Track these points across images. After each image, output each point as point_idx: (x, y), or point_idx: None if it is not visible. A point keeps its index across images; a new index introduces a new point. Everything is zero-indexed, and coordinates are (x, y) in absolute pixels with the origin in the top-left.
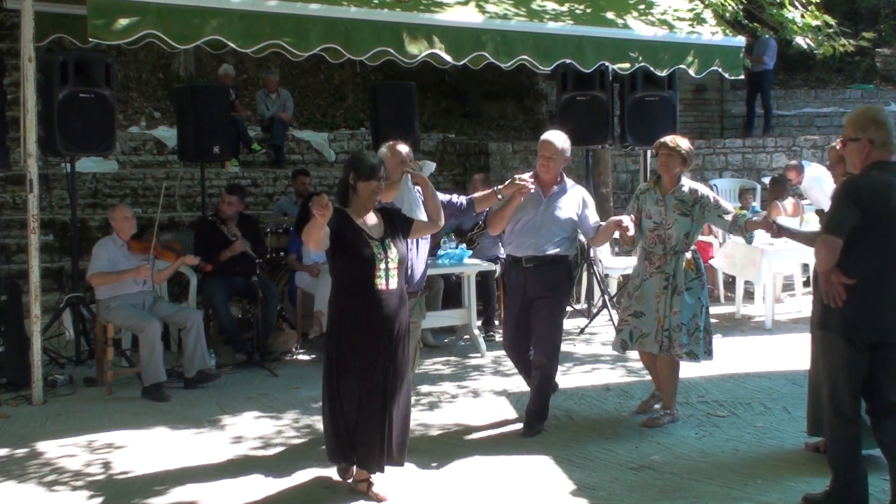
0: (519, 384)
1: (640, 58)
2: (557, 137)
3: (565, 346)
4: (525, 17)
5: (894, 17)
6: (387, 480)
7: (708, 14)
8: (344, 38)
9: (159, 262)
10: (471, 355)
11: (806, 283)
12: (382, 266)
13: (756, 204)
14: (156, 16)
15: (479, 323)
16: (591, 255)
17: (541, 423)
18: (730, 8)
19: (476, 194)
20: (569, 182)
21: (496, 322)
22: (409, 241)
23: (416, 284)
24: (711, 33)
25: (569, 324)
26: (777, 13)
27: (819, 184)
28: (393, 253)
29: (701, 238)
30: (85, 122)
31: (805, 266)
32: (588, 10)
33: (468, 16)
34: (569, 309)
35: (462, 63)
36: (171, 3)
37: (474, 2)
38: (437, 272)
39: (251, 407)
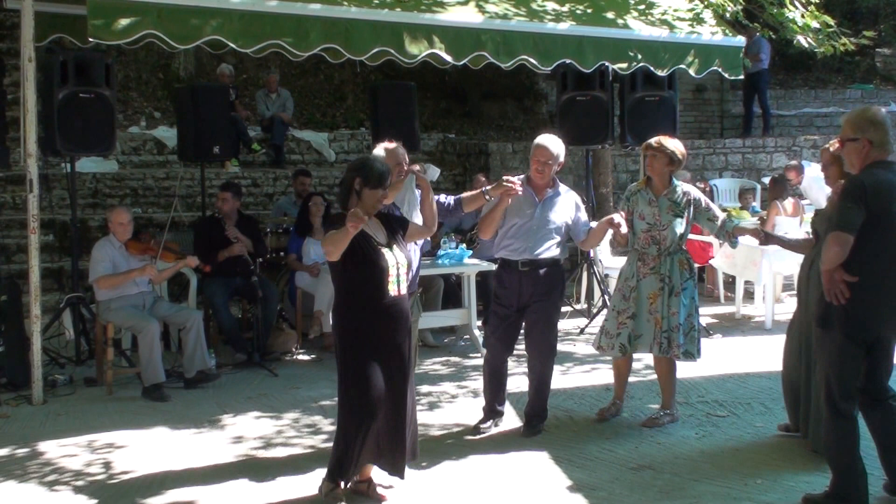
0: (518, 384)
1: (640, 58)
2: (552, 142)
3: (565, 346)
4: (525, 17)
5: (894, 17)
6: (385, 480)
7: (708, 14)
8: (344, 38)
9: (158, 263)
10: (471, 355)
11: None
12: (394, 272)
13: (756, 204)
14: (156, 16)
15: (479, 323)
16: (591, 254)
17: (541, 423)
18: (730, 8)
19: (464, 194)
20: (561, 186)
21: None
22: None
23: (413, 285)
24: (711, 33)
25: (569, 324)
26: (777, 13)
27: (819, 184)
28: (401, 258)
29: (701, 238)
30: (85, 122)
31: None
32: (588, 10)
33: (468, 16)
34: (569, 309)
35: (462, 63)
36: (171, 3)
37: (474, 2)
38: (437, 272)
39: (251, 407)
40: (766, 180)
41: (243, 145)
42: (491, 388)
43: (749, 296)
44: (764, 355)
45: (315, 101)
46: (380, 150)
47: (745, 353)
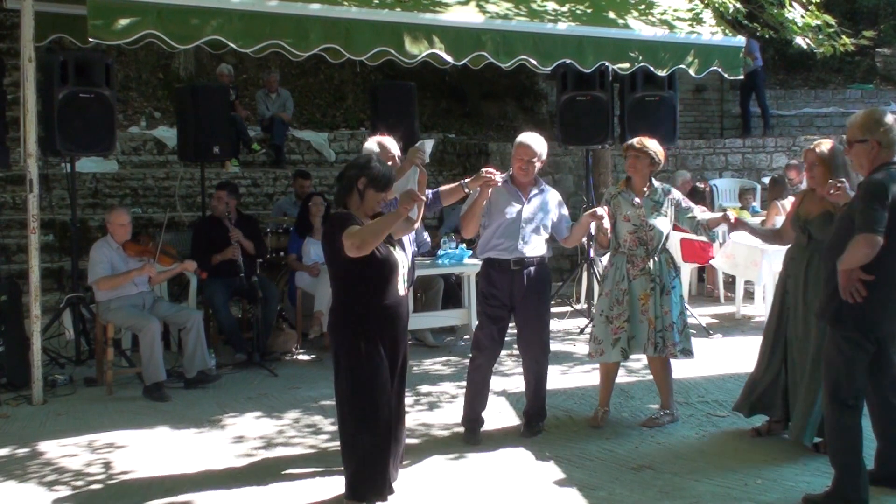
0: (518, 384)
1: (641, 58)
2: (535, 140)
3: (565, 346)
4: (525, 17)
5: (894, 17)
6: None
7: (707, 14)
8: (344, 38)
9: (156, 266)
10: (471, 355)
11: None
12: (402, 271)
13: (756, 204)
14: (155, 16)
15: (478, 323)
16: (591, 254)
17: (541, 422)
18: (730, 7)
19: (442, 187)
20: (544, 183)
21: None
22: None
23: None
24: (711, 33)
25: (569, 324)
26: (777, 13)
27: None
28: (403, 258)
29: (701, 238)
30: (85, 122)
31: None
32: (588, 10)
33: (468, 16)
34: (569, 309)
35: (462, 63)
36: (170, 3)
37: (474, 2)
38: (437, 272)
39: (251, 407)
40: (766, 180)
41: (243, 145)
42: (481, 397)
43: (749, 296)
44: None
45: (315, 101)
46: (373, 143)
47: (745, 353)
